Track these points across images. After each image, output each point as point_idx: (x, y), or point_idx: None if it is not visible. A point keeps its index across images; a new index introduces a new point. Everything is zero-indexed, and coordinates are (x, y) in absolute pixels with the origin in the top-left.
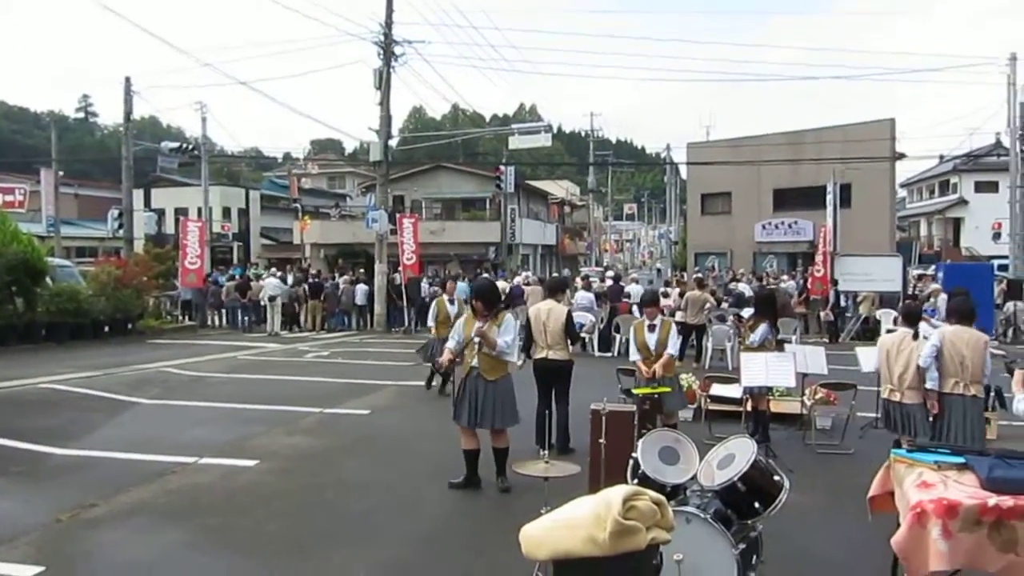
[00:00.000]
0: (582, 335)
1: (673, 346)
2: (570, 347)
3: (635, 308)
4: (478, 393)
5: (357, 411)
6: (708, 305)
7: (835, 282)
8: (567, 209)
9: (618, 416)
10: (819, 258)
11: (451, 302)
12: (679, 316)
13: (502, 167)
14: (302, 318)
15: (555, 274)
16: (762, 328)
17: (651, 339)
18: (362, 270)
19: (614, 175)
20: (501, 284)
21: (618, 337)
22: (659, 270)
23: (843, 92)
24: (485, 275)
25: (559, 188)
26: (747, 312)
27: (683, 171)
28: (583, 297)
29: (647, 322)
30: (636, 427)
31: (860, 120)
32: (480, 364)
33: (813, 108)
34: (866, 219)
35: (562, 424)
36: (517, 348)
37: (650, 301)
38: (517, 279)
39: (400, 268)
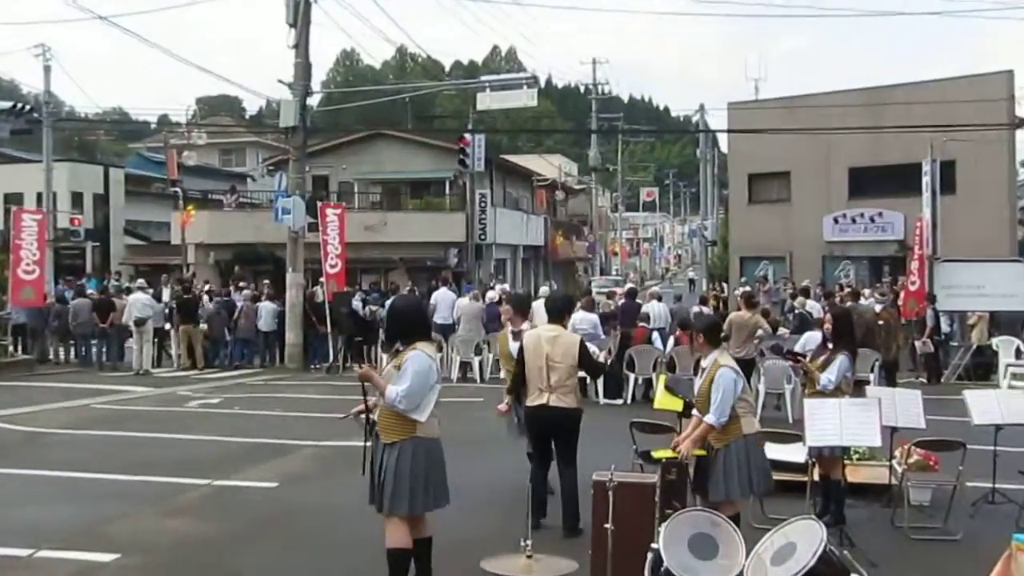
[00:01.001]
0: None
1: (719, 407)
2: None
3: (655, 335)
4: (378, 462)
5: (260, 483)
6: (760, 332)
7: (933, 298)
8: (560, 195)
9: (632, 491)
10: (913, 264)
11: (515, 336)
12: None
13: (467, 136)
14: (173, 348)
15: (544, 286)
16: (838, 364)
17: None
18: (268, 282)
19: (626, 148)
20: (464, 301)
21: (632, 377)
22: (692, 281)
23: (944, 33)
24: (406, 292)
25: (548, 166)
26: (808, 340)
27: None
28: (584, 320)
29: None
30: (658, 506)
31: (968, 72)
32: (379, 420)
33: (903, 55)
34: (976, 209)
35: (569, 495)
36: (423, 402)
37: (685, 326)
38: (491, 294)
39: (323, 279)
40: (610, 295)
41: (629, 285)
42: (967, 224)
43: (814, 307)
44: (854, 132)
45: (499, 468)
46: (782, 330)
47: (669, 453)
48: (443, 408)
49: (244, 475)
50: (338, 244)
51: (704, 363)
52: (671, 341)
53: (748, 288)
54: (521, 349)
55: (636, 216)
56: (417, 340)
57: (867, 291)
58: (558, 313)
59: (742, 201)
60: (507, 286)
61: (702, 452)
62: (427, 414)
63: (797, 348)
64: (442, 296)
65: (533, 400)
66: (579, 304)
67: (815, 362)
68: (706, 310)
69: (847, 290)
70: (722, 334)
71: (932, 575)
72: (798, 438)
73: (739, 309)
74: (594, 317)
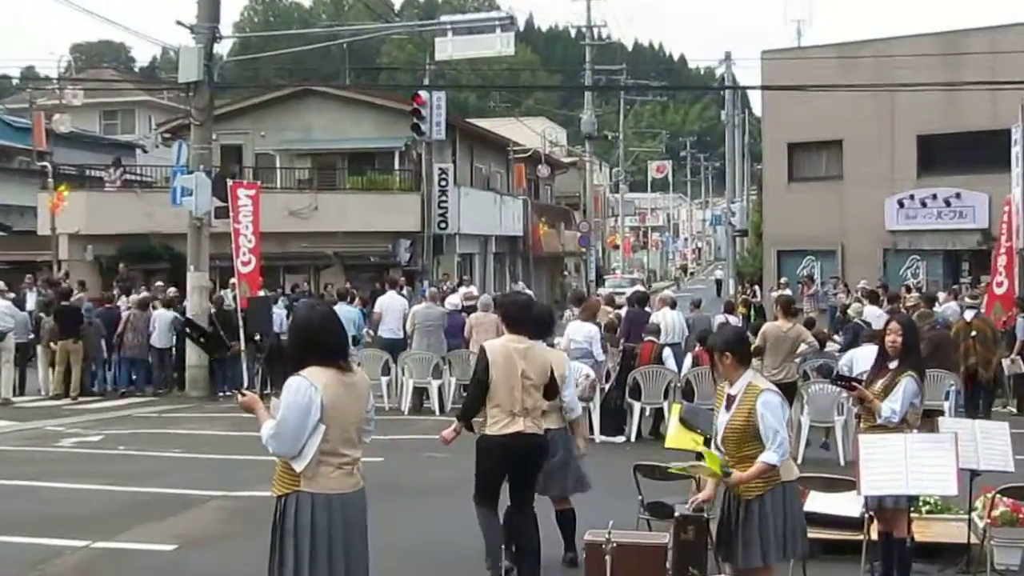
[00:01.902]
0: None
1: (779, 442)
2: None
3: (668, 353)
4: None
5: (154, 546)
6: (803, 348)
7: None
8: (544, 171)
9: (636, 554)
10: (999, 261)
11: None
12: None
13: (423, 95)
14: (40, 370)
15: (526, 292)
16: (903, 389)
17: (719, 420)
18: (162, 284)
19: (630, 109)
20: (419, 308)
21: (637, 407)
22: (719, 283)
23: None
24: (327, 296)
25: (529, 133)
26: (856, 358)
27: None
28: (580, 332)
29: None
30: (671, 574)
31: None
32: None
33: None
34: None
35: (534, 548)
36: (302, 446)
37: (705, 341)
38: (453, 299)
39: (234, 280)
40: (609, 301)
41: (635, 288)
42: None
43: (875, 316)
44: (925, 89)
45: (458, 523)
46: (832, 345)
47: (699, 466)
48: (390, 449)
49: (133, 535)
50: (252, 235)
51: (731, 389)
52: (687, 360)
53: (788, 292)
54: (484, 364)
55: (643, 198)
56: (312, 363)
57: (941, 295)
58: (543, 327)
59: (780, 179)
60: (475, 288)
61: (715, 471)
62: (308, 461)
63: (842, 365)
64: (389, 302)
65: (503, 427)
66: (576, 310)
67: (872, 387)
68: (733, 320)
69: (916, 293)
70: (753, 349)
71: None
72: (851, 485)
73: (776, 319)
74: (594, 329)
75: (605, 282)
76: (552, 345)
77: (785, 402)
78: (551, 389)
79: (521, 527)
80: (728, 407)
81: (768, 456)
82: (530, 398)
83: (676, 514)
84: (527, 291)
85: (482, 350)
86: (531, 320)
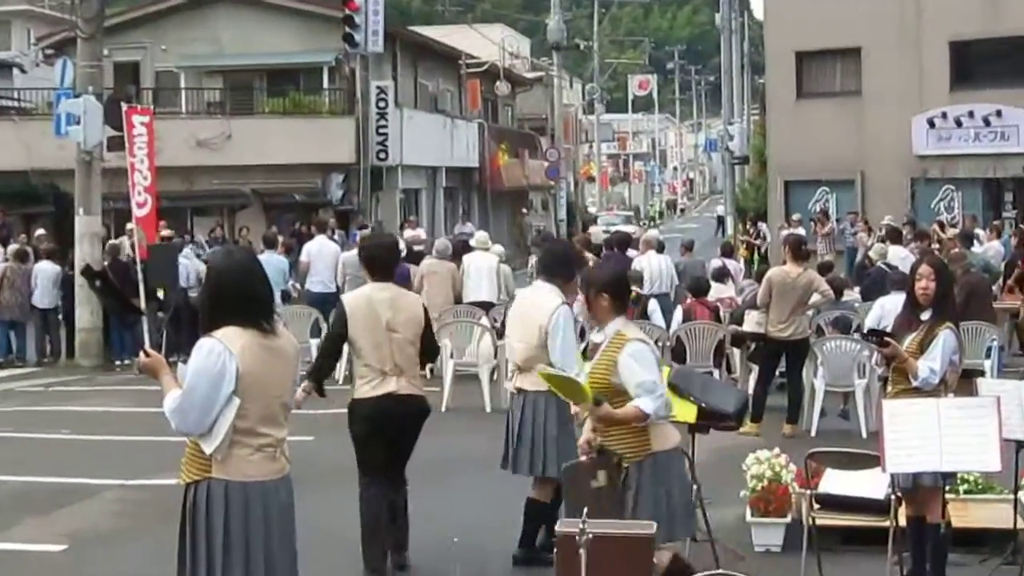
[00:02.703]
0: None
1: (653, 394)
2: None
3: (653, 305)
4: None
5: (39, 546)
6: (816, 298)
7: None
8: (503, 88)
9: (617, 546)
10: None
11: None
12: (752, 320)
13: None
14: None
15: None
16: (942, 344)
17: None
18: (44, 232)
19: (606, 13)
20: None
21: None
22: (721, 220)
23: None
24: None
25: (486, 42)
26: (884, 308)
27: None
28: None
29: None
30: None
31: None
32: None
33: None
34: None
35: (403, 523)
36: (213, 421)
37: (699, 290)
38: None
39: (132, 225)
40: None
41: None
42: None
43: (900, 257)
44: None
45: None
46: (851, 294)
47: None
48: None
49: (13, 534)
50: (147, 171)
51: (597, 336)
52: (677, 314)
53: (800, 231)
54: (340, 317)
55: (622, 119)
56: (228, 323)
57: (981, 232)
58: (555, 273)
59: (787, 95)
60: (422, 231)
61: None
62: (220, 442)
63: (871, 320)
64: (319, 249)
65: (373, 388)
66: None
67: (902, 343)
68: (732, 264)
69: (951, 230)
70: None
71: None
72: (875, 461)
73: (784, 263)
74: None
75: (597, 220)
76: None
77: (657, 355)
78: (427, 343)
79: (391, 504)
80: (591, 356)
81: (642, 401)
82: (401, 353)
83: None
84: (480, 232)
85: (340, 301)
86: (395, 263)
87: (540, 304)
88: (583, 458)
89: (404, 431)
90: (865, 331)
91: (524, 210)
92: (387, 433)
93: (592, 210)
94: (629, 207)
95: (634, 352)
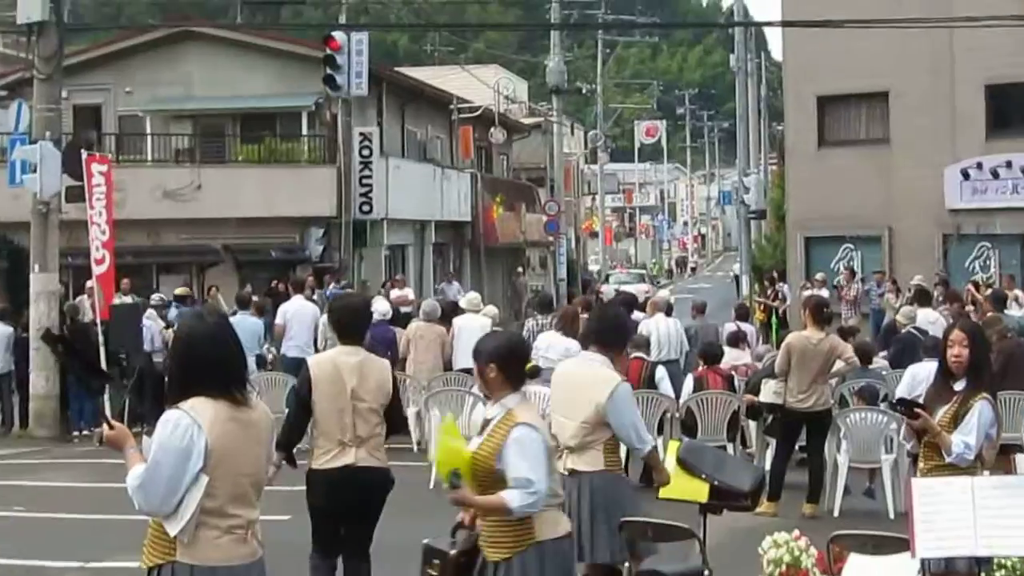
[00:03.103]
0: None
1: (526, 489)
2: None
3: (661, 373)
4: None
5: None
6: (839, 365)
7: None
8: (498, 136)
9: None
10: None
11: None
12: (770, 389)
13: (338, 36)
14: None
15: (448, 287)
16: (977, 416)
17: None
18: None
19: (610, 54)
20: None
21: (623, 445)
22: (737, 279)
23: None
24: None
25: (479, 85)
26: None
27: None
28: (555, 348)
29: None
30: None
31: None
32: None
33: None
34: None
35: None
36: (179, 501)
37: (712, 356)
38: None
39: (92, 283)
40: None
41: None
42: None
43: (930, 321)
44: (995, 25)
45: None
46: (878, 361)
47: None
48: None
49: None
50: (105, 224)
51: (490, 411)
52: (688, 383)
53: (822, 291)
54: (306, 383)
55: (628, 169)
56: (197, 393)
57: (1021, 293)
58: (609, 343)
59: (808, 144)
60: (410, 291)
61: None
62: (186, 523)
63: (902, 389)
64: (297, 310)
65: (331, 459)
66: (541, 318)
67: (934, 415)
68: (747, 328)
69: (987, 290)
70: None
71: None
72: (904, 545)
73: (804, 327)
74: (574, 346)
75: (609, 278)
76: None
77: (547, 443)
78: (394, 414)
79: None
80: (481, 432)
81: (510, 494)
82: (365, 424)
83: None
84: (471, 292)
85: (304, 365)
86: (366, 326)
87: (595, 379)
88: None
89: (363, 506)
90: (894, 401)
91: (519, 269)
92: (344, 507)
93: (594, 268)
94: (635, 265)
95: (519, 438)
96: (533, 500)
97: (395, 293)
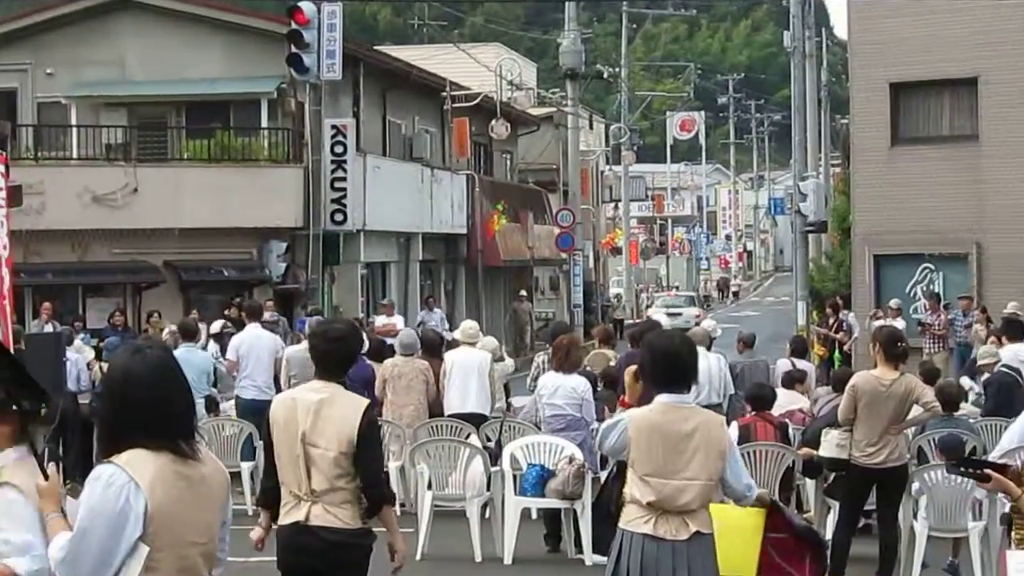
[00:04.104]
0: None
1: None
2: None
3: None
4: None
5: None
6: (918, 412)
7: None
8: (500, 130)
9: None
10: None
11: None
12: (832, 441)
13: (305, 7)
14: None
15: (429, 313)
16: None
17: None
18: None
19: (638, 30)
20: (298, 351)
21: None
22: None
23: None
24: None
25: (478, 68)
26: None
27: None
28: (560, 390)
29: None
30: None
31: None
32: None
33: None
34: None
35: None
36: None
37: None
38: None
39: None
40: (605, 337)
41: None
42: None
43: (1017, 358)
44: None
45: None
46: (967, 407)
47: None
48: None
49: None
50: (3, 235)
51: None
52: (733, 432)
53: (897, 321)
54: (267, 423)
55: (659, 172)
56: (135, 444)
57: None
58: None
59: (879, 141)
60: (399, 319)
61: None
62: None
63: (1006, 441)
64: (253, 342)
65: (286, 514)
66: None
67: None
68: (804, 365)
69: None
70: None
71: None
72: None
73: (875, 365)
74: (582, 385)
75: (655, 301)
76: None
77: (32, 509)
78: (364, 466)
79: None
80: None
81: (14, 562)
82: (319, 474)
83: None
84: (466, 321)
85: (270, 403)
86: (348, 359)
87: (708, 426)
88: None
89: (317, 573)
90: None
91: (522, 293)
92: (298, 572)
93: (615, 292)
94: (664, 287)
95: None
96: (40, 566)
97: (381, 321)
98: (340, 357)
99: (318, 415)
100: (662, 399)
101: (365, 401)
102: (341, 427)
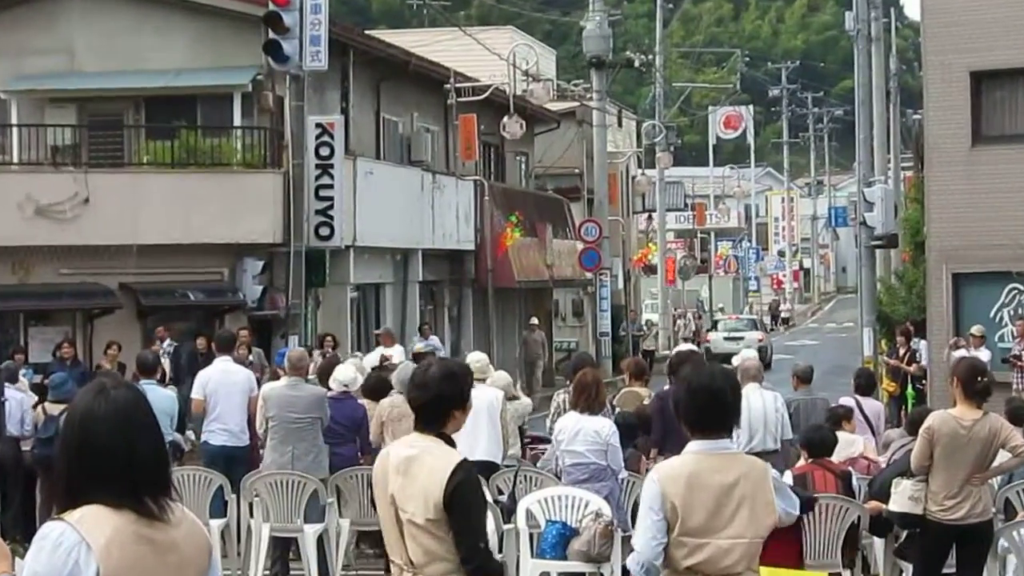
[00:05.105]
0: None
1: None
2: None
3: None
4: None
5: None
6: (1005, 458)
7: None
8: (514, 127)
9: None
10: None
11: None
12: (904, 493)
13: None
14: None
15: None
16: None
17: None
18: None
19: (675, 11)
20: (277, 388)
21: None
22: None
23: None
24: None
25: (488, 56)
26: None
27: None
28: (581, 435)
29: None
30: None
31: None
32: None
33: None
34: None
35: None
36: None
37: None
38: (346, 371)
39: None
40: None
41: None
42: None
43: None
44: None
45: None
46: None
47: None
48: None
49: None
50: None
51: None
52: (787, 478)
53: (976, 351)
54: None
55: (700, 176)
56: (91, 499)
57: None
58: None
59: (958, 140)
60: (399, 350)
61: None
62: None
63: None
64: (221, 378)
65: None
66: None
67: None
68: (871, 404)
69: None
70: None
71: None
72: None
73: (953, 403)
74: (607, 427)
75: (717, 325)
76: None
77: None
78: (457, 531)
79: None
80: None
81: None
82: (414, 543)
83: None
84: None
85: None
86: (450, 407)
87: (757, 475)
88: None
89: None
90: None
91: (534, 320)
92: None
93: (648, 317)
94: (708, 310)
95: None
96: None
97: (379, 352)
98: (442, 405)
99: (407, 475)
100: (698, 446)
101: (458, 458)
102: (428, 489)
